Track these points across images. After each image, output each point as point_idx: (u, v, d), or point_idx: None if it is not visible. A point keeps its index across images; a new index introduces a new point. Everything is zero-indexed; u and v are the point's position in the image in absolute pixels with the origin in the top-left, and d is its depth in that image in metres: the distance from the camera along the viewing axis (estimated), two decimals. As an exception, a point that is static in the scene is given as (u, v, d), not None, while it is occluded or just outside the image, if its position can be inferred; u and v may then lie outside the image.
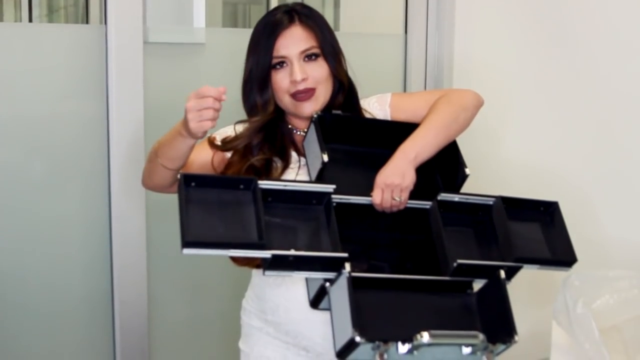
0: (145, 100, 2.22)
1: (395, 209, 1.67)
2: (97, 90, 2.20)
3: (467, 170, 1.73)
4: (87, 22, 2.53)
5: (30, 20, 2.86)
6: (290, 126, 1.84)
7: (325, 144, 1.68)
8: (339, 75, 1.81)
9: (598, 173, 2.36)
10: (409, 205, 1.68)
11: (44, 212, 2.20)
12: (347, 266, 1.49)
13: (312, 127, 1.73)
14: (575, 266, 1.72)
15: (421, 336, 1.42)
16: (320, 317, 1.71)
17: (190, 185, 1.49)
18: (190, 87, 2.36)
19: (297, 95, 1.75)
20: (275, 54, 1.74)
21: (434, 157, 1.74)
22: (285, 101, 1.78)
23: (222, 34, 2.53)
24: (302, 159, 1.79)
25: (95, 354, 2.32)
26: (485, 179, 2.17)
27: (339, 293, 1.50)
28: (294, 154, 1.81)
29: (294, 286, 1.75)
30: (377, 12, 2.87)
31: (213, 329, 2.53)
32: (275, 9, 1.81)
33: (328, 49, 1.79)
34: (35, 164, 2.18)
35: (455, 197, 1.68)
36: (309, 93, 1.76)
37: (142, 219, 2.27)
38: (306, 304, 1.67)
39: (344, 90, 1.84)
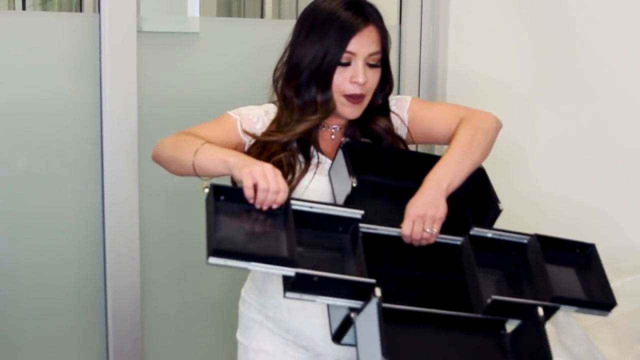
0: (139, 90, 2.22)
1: (424, 242, 1.61)
2: (90, 79, 2.20)
3: (501, 206, 1.65)
4: (80, 11, 2.52)
5: (24, 8, 2.86)
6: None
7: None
8: (388, 79, 1.80)
9: (599, 175, 2.32)
10: (438, 240, 1.60)
11: (36, 201, 2.20)
12: (378, 291, 1.42)
13: (340, 153, 1.68)
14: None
15: None
16: (322, 320, 1.69)
17: (219, 199, 1.47)
18: (184, 77, 2.37)
19: (349, 97, 1.72)
20: (347, 48, 1.69)
21: (464, 192, 1.68)
22: (335, 98, 1.73)
23: (216, 24, 2.52)
24: (322, 157, 1.77)
25: (87, 344, 2.32)
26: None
27: (368, 321, 1.42)
28: (313, 152, 1.78)
29: None
30: (372, 2, 2.86)
31: (206, 319, 2.53)
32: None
33: (387, 53, 1.77)
34: (27, 152, 2.17)
35: (489, 233, 1.62)
36: (359, 98, 1.73)
37: (135, 208, 2.26)
38: (310, 305, 1.66)
39: (387, 93, 1.82)
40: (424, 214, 1.59)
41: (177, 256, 2.43)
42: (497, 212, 1.66)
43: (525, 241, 1.63)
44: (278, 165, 1.71)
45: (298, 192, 1.72)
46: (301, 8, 3.15)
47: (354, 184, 1.60)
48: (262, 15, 3.04)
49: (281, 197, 1.50)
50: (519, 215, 2.01)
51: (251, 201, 1.49)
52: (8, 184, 2.16)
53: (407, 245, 1.62)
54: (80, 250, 2.28)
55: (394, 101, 1.86)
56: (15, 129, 2.15)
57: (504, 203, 1.66)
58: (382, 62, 1.77)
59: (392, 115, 1.84)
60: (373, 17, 1.74)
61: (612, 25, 2.27)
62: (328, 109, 1.73)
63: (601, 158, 2.32)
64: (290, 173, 1.72)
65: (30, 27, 2.13)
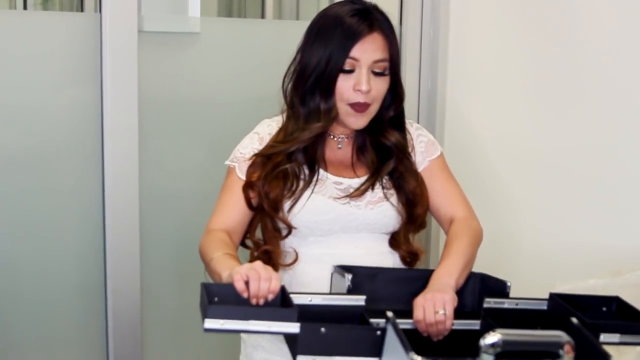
0: (140, 89, 2.22)
1: (441, 328, 1.55)
2: (91, 79, 2.20)
3: (509, 283, 1.62)
4: (82, 10, 2.53)
5: (25, 7, 2.86)
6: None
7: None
8: (399, 90, 1.77)
9: (598, 180, 2.30)
10: (456, 328, 1.54)
11: (37, 201, 2.20)
12: (389, 313, 1.35)
13: (335, 274, 1.66)
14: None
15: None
16: None
17: (213, 301, 1.43)
18: (185, 77, 2.37)
19: (353, 106, 1.71)
20: (350, 54, 1.68)
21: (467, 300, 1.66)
22: (339, 107, 1.72)
23: (217, 24, 2.52)
24: (323, 173, 1.76)
25: (88, 343, 2.32)
26: (466, 160, 2.11)
27: (391, 355, 1.32)
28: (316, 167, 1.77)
29: None
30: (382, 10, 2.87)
31: (206, 319, 2.53)
32: (351, 3, 1.73)
33: (395, 62, 1.74)
34: (28, 152, 2.17)
35: (504, 303, 1.58)
36: (364, 107, 1.71)
37: (135, 209, 2.26)
38: None
39: (397, 105, 1.79)
40: (432, 297, 1.56)
41: (177, 257, 2.43)
42: (505, 290, 1.63)
43: (545, 307, 1.59)
44: (283, 175, 1.72)
45: (294, 211, 1.72)
46: (302, 9, 3.16)
47: (350, 277, 1.57)
48: (262, 16, 3.04)
49: (274, 284, 1.44)
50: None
51: (244, 295, 1.43)
52: (8, 184, 2.16)
53: (426, 341, 1.55)
54: (80, 250, 2.28)
55: (425, 138, 1.85)
56: (14, 129, 2.15)
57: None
58: (391, 72, 1.74)
59: (417, 149, 1.82)
60: (380, 25, 1.71)
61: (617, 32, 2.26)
62: (330, 117, 1.72)
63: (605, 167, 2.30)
64: (295, 183, 1.72)
65: (31, 27, 2.13)
